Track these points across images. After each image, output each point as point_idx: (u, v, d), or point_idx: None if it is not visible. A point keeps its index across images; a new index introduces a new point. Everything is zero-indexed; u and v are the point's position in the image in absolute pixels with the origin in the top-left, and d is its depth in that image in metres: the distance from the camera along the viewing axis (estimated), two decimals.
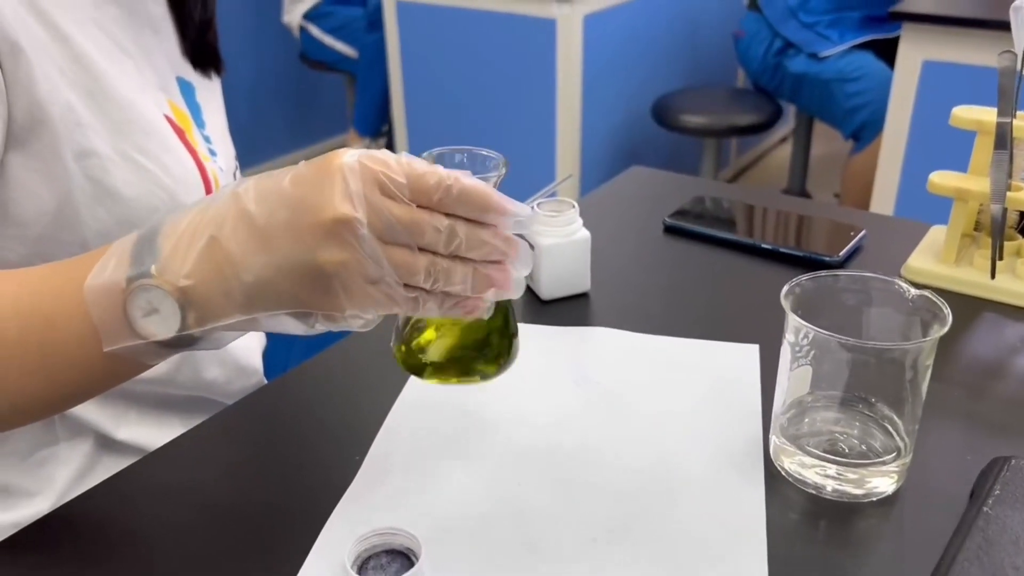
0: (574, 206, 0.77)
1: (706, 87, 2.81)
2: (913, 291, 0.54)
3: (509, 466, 0.58)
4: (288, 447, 0.61)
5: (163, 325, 0.45)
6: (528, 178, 2.39)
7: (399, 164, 0.43)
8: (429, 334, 0.53)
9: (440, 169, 0.43)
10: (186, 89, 0.71)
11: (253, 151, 3.18)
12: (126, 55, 0.64)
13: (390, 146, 3.01)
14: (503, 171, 0.49)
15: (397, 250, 0.43)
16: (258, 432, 0.63)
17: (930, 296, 0.53)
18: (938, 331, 0.51)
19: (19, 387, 0.49)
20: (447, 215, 0.44)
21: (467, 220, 0.44)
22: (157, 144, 0.63)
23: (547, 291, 0.77)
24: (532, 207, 0.76)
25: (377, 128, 3.01)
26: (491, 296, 0.46)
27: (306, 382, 0.68)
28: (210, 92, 0.75)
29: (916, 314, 0.54)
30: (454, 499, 0.55)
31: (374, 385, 0.66)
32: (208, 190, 0.67)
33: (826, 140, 3.18)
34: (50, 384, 0.49)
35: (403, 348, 0.53)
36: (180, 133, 0.67)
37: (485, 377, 0.53)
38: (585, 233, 0.77)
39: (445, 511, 0.54)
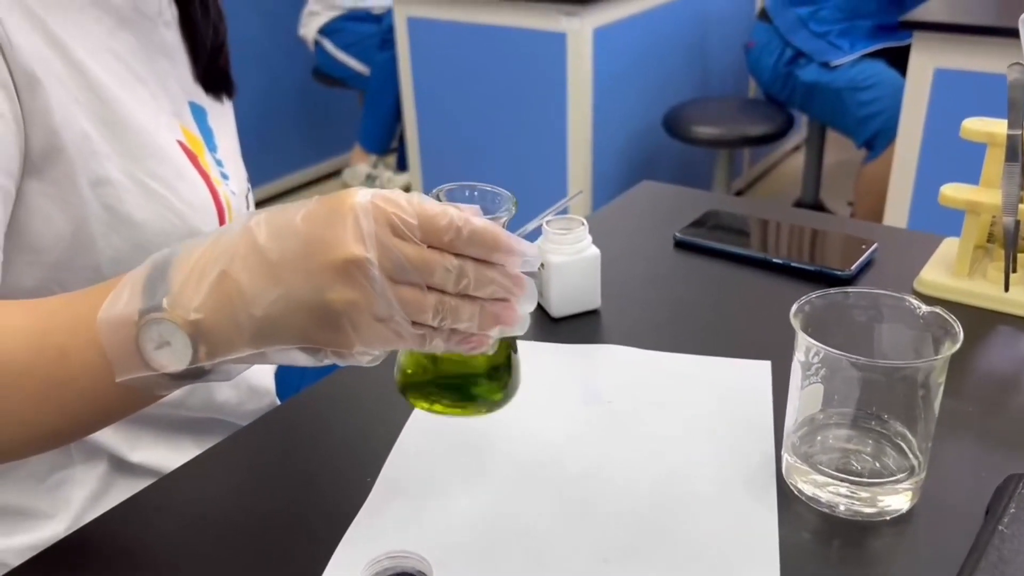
0: (583, 223, 0.77)
1: (717, 98, 2.81)
2: (924, 308, 0.54)
3: (519, 486, 0.58)
4: (300, 468, 0.61)
5: (174, 358, 0.46)
6: (539, 192, 2.40)
7: (411, 205, 0.43)
8: (431, 365, 0.53)
9: (451, 210, 0.44)
10: (198, 114, 0.72)
11: (265, 167, 3.20)
12: (140, 82, 0.65)
13: (401, 161, 3.02)
14: (513, 210, 0.49)
15: (407, 289, 0.43)
16: (270, 453, 0.63)
17: (941, 313, 0.53)
18: (950, 348, 0.51)
19: (33, 418, 0.49)
20: (457, 255, 0.44)
21: (476, 259, 0.45)
22: (170, 171, 0.64)
23: (557, 309, 0.77)
24: (543, 224, 0.76)
25: (385, 146, 3.02)
26: (496, 333, 0.47)
27: (318, 403, 0.68)
28: (222, 115, 0.76)
29: (928, 331, 0.54)
30: (465, 521, 0.55)
31: (385, 406, 0.66)
32: (220, 214, 0.68)
33: (839, 148, 3.17)
34: (63, 415, 0.50)
35: (405, 379, 0.53)
36: (192, 158, 0.67)
37: (488, 408, 0.53)
38: (595, 250, 0.77)
39: (456, 533, 0.54)
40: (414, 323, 0.44)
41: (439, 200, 0.48)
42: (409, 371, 0.53)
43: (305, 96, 3.32)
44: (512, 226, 0.85)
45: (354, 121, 3.08)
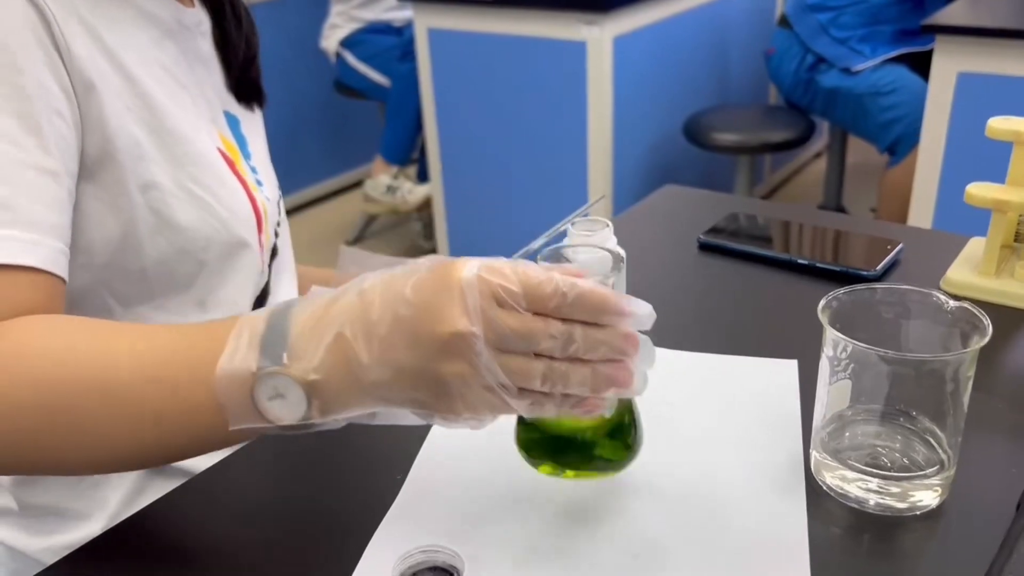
0: (608, 225, 0.77)
1: (738, 105, 2.81)
2: (952, 302, 0.54)
3: (549, 485, 0.58)
4: (332, 466, 0.62)
5: (288, 411, 0.47)
6: (560, 202, 2.41)
7: (515, 274, 0.44)
8: (550, 427, 0.54)
9: (556, 275, 0.44)
10: (232, 122, 0.73)
11: (288, 178, 3.21)
12: (183, 90, 0.67)
13: (422, 172, 3.04)
14: (621, 269, 0.49)
15: (513, 358, 0.44)
16: (301, 452, 0.64)
17: (969, 307, 0.53)
18: (978, 342, 0.51)
19: (126, 444, 0.50)
20: (565, 319, 0.44)
21: (586, 323, 0.45)
22: (212, 176, 0.66)
23: None
24: (568, 226, 0.77)
25: (406, 157, 3.04)
26: (612, 394, 0.47)
27: None
28: (254, 124, 0.77)
29: (956, 326, 0.54)
30: (495, 516, 0.56)
31: None
32: (258, 219, 0.70)
33: (861, 152, 3.16)
34: (158, 445, 0.51)
35: (524, 441, 0.55)
36: (231, 164, 0.69)
37: (614, 469, 0.55)
38: (620, 252, 0.77)
39: (486, 529, 0.55)
40: (523, 390, 0.45)
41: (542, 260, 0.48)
42: (527, 435, 0.55)
43: (327, 108, 3.36)
44: (534, 230, 0.86)
45: (375, 133, 3.10)
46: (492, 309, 0.43)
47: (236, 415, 0.48)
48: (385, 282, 0.46)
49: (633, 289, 0.83)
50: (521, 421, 0.55)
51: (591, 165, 2.36)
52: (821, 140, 3.27)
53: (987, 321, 0.51)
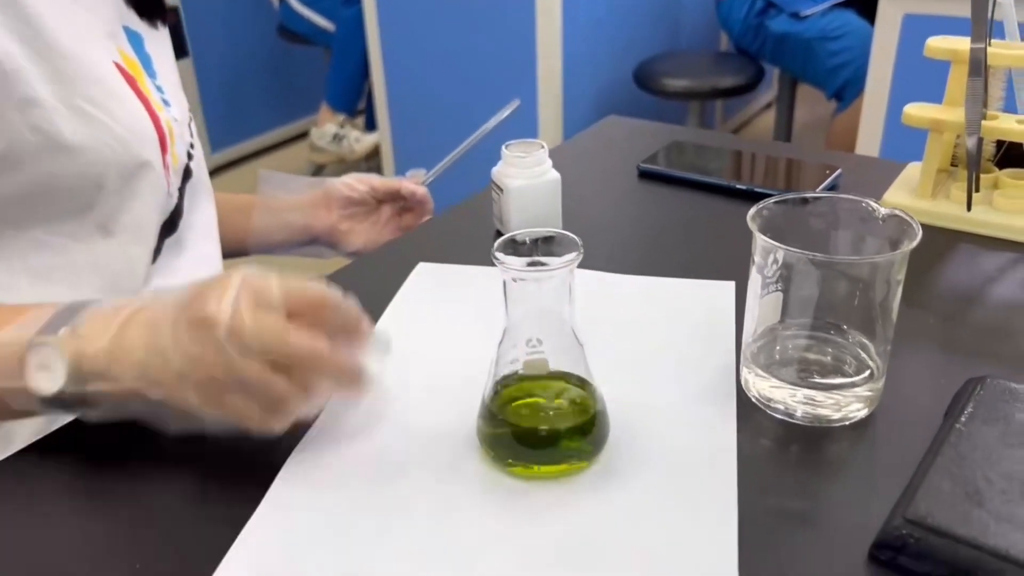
0: (543, 147, 0.75)
1: (688, 51, 2.79)
2: (883, 211, 0.53)
3: (474, 407, 0.56)
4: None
5: (49, 382, 0.49)
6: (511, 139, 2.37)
7: (279, 280, 0.49)
8: (512, 422, 0.51)
9: (312, 287, 0.50)
10: (134, 39, 0.69)
11: (231, 129, 3.15)
12: (75, 3, 0.62)
13: (370, 121, 2.97)
14: (577, 256, 0.47)
15: (252, 363, 0.46)
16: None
17: (900, 214, 0.52)
18: (908, 245, 0.50)
19: None
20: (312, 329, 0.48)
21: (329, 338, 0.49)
22: (106, 94, 0.62)
23: None
24: (503, 148, 0.75)
25: (353, 104, 2.97)
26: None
27: None
28: (159, 43, 0.73)
29: (886, 234, 0.53)
30: (418, 443, 0.54)
31: None
32: (162, 140, 0.66)
33: (810, 106, 3.17)
34: None
35: (489, 437, 0.52)
36: (131, 82, 0.65)
37: (583, 459, 0.51)
38: (555, 174, 0.75)
39: (406, 459, 0.53)
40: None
41: None
42: (493, 431, 0.51)
43: (271, 55, 3.26)
44: (453, 142, 0.84)
45: (321, 80, 3.02)
46: (248, 307, 0.47)
47: (5, 383, 0.50)
48: (186, 285, 0.50)
49: (571, 214, 0.81)
50: (489, 421, 0.52)
51: (540, 111, 2.33)
52: (771, 92, 3.28)
53: (917, 226, 0.51)
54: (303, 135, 3.32)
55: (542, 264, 0.46)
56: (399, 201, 0.91)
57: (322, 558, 0.45)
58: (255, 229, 0.87)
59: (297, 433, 0.53)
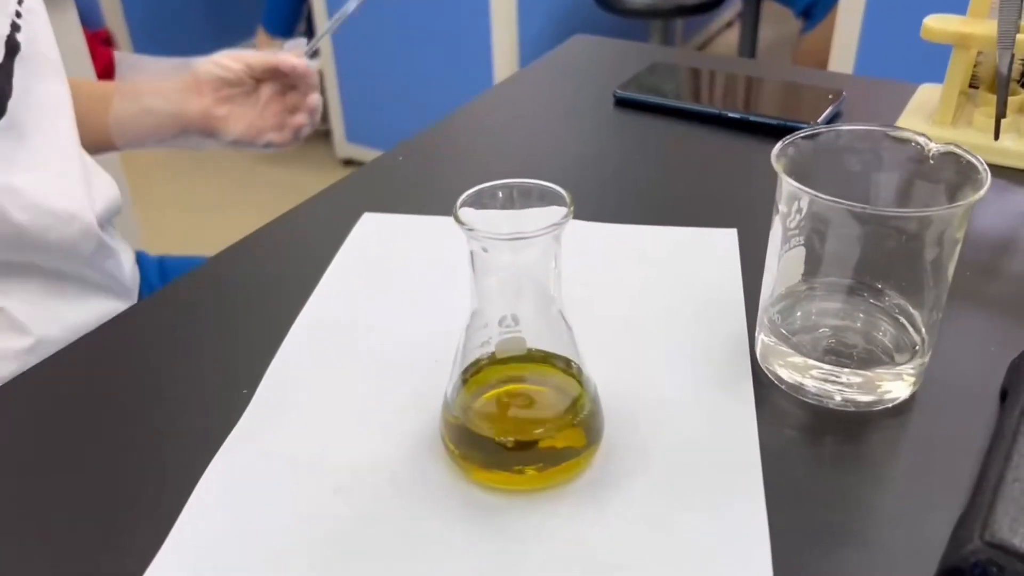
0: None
1: None
2: (935, 147, 0.43)
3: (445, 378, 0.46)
4: (165, 379, 0.48)
5: None
6: (464, 73, 2.22)
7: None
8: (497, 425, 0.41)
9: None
10: None
11: (161, 54, 2.92)
12: None
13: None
14: (567, 216, 0.36)
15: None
16: (124, 359, 0.50)
17: (958, 151, 0.42)
18: (972, 196, 0.40)
19: None
20: None
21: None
22: None
23: None
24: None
25: (291, 28, 2.77)
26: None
27: (180, 304, 0.55)
28: None
29: (940, 177, 0.43)
30: (370, 444, 0.44)
31: (265, 306, 0.53)
32: None
33: (774, 23, 3.04)
34: None
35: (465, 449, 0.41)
36: None
37: (578, 457, 0.41)
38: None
39: (354, 463, 0.43)
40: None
41: None
42: (459, 434, 0.41)
43: None
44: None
45: (256, 2, 2.81)
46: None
47: None
48: None
49: (540, 152, 0.70)
50: (455, 421, 0.41)
51: (494, 33, 2.18)
52: (734, 8, 3.14)
53: (984, 168, 0.41)
54: None
55: (520, 230, 0.35)
56: (280, 78, 0.79)
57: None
58: (116, 119, 0.75)
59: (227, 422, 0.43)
